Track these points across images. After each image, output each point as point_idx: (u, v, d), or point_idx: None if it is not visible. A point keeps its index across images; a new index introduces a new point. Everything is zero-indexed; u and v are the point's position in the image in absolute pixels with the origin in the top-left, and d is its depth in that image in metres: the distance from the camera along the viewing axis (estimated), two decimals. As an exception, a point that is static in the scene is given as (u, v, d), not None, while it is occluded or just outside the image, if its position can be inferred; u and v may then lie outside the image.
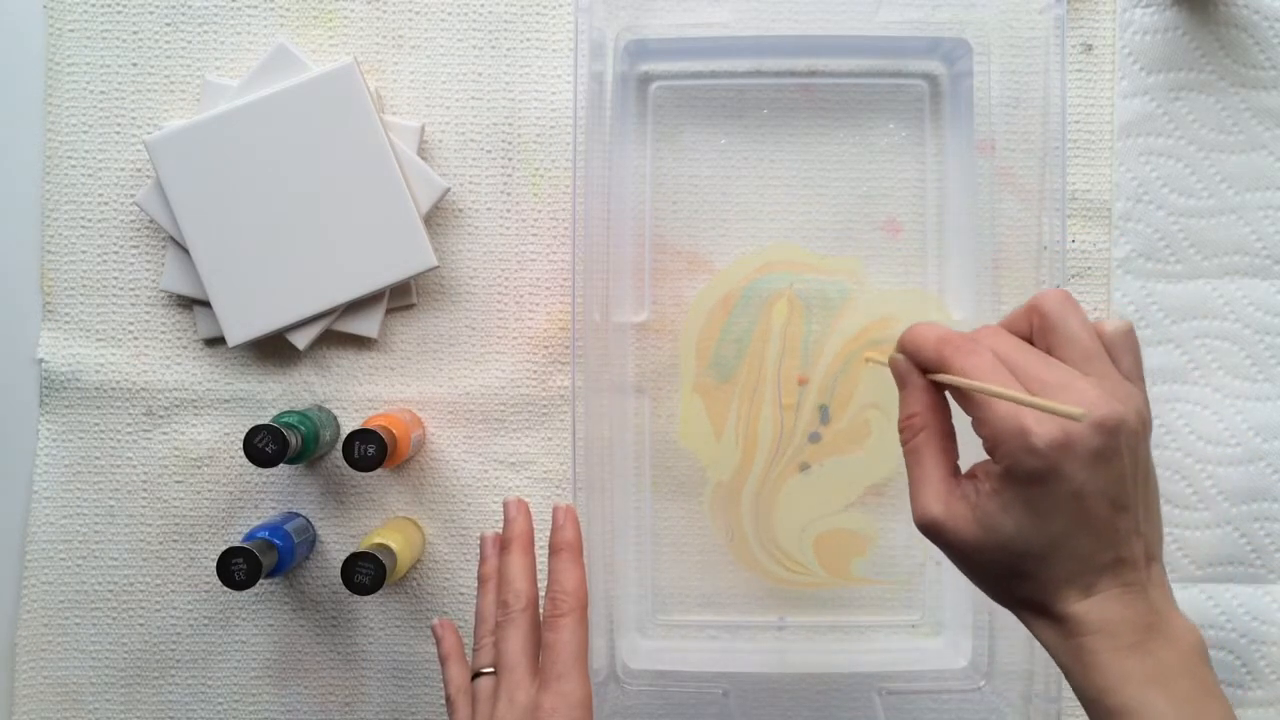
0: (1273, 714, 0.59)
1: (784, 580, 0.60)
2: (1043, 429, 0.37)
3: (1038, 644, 0.54)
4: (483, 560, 0.52)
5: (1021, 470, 0.38)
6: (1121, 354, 0.40)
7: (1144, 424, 0.39)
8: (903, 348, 0.44)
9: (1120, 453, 0.38)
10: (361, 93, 0.57)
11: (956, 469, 0.42)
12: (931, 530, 0.41)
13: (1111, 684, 0.38)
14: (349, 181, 0.57)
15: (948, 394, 0.43)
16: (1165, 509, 0.60)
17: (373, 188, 0.57)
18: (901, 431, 0.44)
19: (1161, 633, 0.39)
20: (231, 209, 0.57)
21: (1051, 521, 0.38)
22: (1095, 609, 0.39)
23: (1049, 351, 0.40)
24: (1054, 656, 0.40)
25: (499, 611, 0.49)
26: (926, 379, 0.43)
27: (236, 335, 0.58)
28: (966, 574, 0.42)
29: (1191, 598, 0.60)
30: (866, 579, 0.60)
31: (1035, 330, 0.41)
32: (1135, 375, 0.41)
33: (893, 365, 0.44)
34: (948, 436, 0.43)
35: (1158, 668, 0.38)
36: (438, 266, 0.58)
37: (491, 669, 0.48)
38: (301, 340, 0.59)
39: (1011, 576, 0.40)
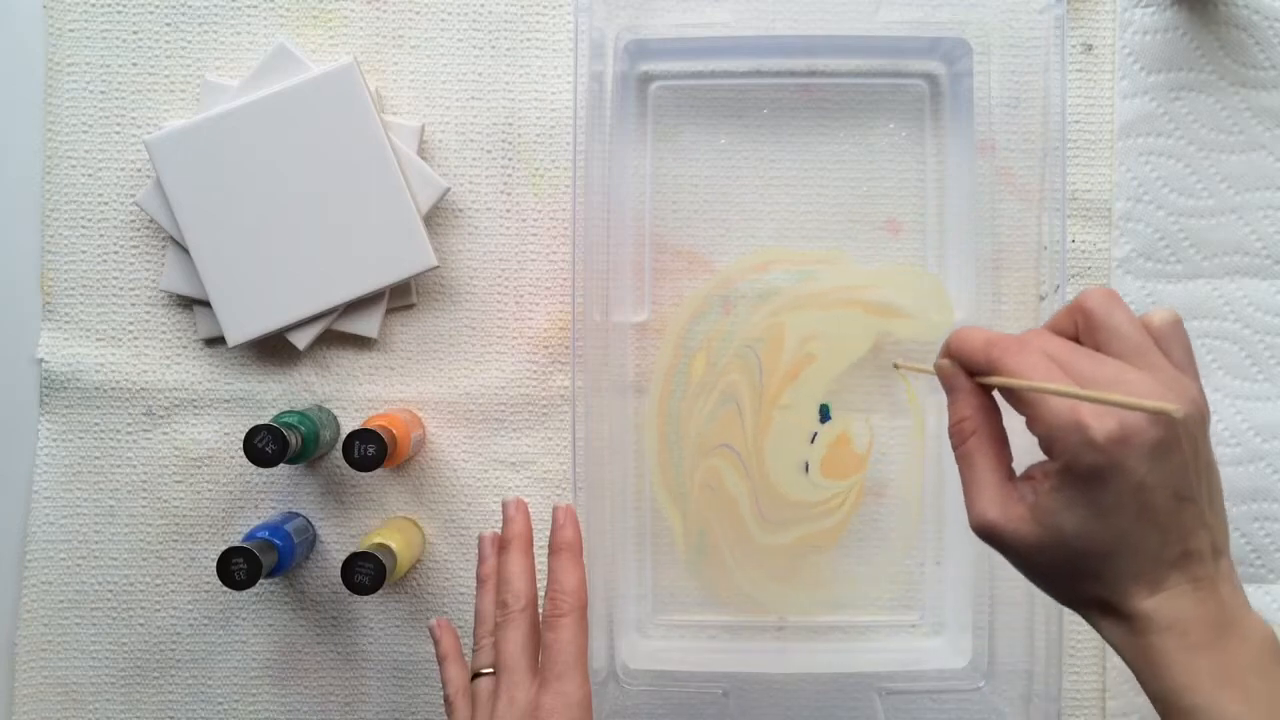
0: (1273, 714, 0.59)
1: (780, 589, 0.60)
2: (1100, 423, 0.36)
3: (1038, 644, 0.54)
4: (481, 560, 0.52)
5: (1081, 466, 0.37)
6: (1171, 345, 0.40)
7: (1201, 414, 0.38)
8: (950, 352, 0.43)
9: (1180, 444, 0.37)
10: (361, 93, 0.57)
11: (1011, 471, 0.41)
12: (990, 534, 0.40)
13: (1183, 684, 0.37)
14: (349, 181, 0.57)
15: (997, 395, 0.42)
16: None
17: (373, 188, 0.57)
18: (952, 436, 0.43)
19: (1233, 630, 0.38)
20: (231, 209, 0.57)
21: (1115, 517, 0.37)
22: (1164, 606, 0.38)
23: (1097, 349, 0.40)
24: (1123, 656, 0.39)
25: (498, 612, 0.49)
26: (974, 382, 0.42)
27: (236, 335, 0.58)
28: (1029, 576, 0.41)
29: (1191, 598, 0.60)
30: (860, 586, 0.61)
31: (1081, 329, 0.40)
32: (1187, 366, 0.40)
33: (940, 370, 0.43)
34: (1000, 439, 0.42)
35: (1230, 667, 0.37)
36: (438, 266, 0.58)
37: (491, 669, 0.48)
38: (301, 340, 0.59)
39: (1076, 576, 0.39)
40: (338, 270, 0.58)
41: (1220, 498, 0.40)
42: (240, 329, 0.58)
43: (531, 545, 0.51)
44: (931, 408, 0.61)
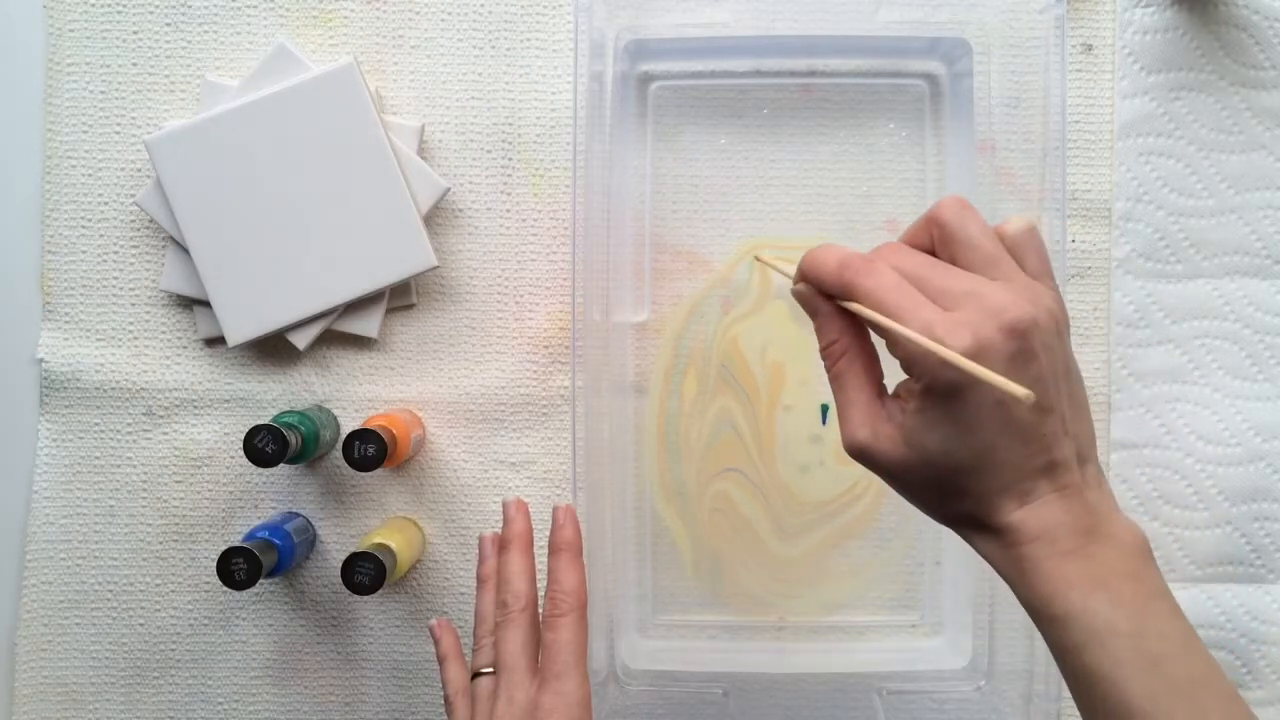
0: (1273, 714, 0.60)
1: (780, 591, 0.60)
2: (954, 340, 0.36)
3: (1038, 644, 0.54)
4: (482, 560, 0.52)
5: (939, 385, 0.37)
6: (1025, 254, 0.40)
7: (1057, 321, 0.38)
8: (804, 276, 0.42)
9: (1036, 354, 0.37)
10: (361, 93, 0.57)
11: (882, 390, 0.41)
12: (861, 454, 0.40)
13: (1053, 590, 0.37)
14: (349, 181, 0.57)
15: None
16: (1165, 509, 0.60)
17: (373, 188, 0.57)
18: (824, 359, 0.42)
19: (1102, 535, 0.38)
20: (231, 209, 0.57)
21: (976, 432, 0.37)
22: (1032, 516, 0.38)
23: (952, 261, 0.39)
24: (997, 570, 0.40)
25: (498, 612, 0.49)
26: (835, 304, 0.41)
27: (236, 335, 0.58)
28: (904, 495, 0.41)
29: (1191, 598, 0.60)
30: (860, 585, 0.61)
31: (936, 241, 0.40)
32: (1042, 273, 0.40)
33: (798, 296, 0.43)
34: (869, 358, 0.42)
35: (1099, 571, 0.37)
36: (438, 266, 0.58)
37: (490, 669, 0.48)
38: (301, 340, 0.59)
39: (945, 493, 0.39)
40: (338, 270, 0.58)
41: (1084, 404, 0.40)
42: (240, 329, 0.58)
43: (532, 545, 0.51)
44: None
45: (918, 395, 0.38)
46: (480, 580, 0.52)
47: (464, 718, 0.48)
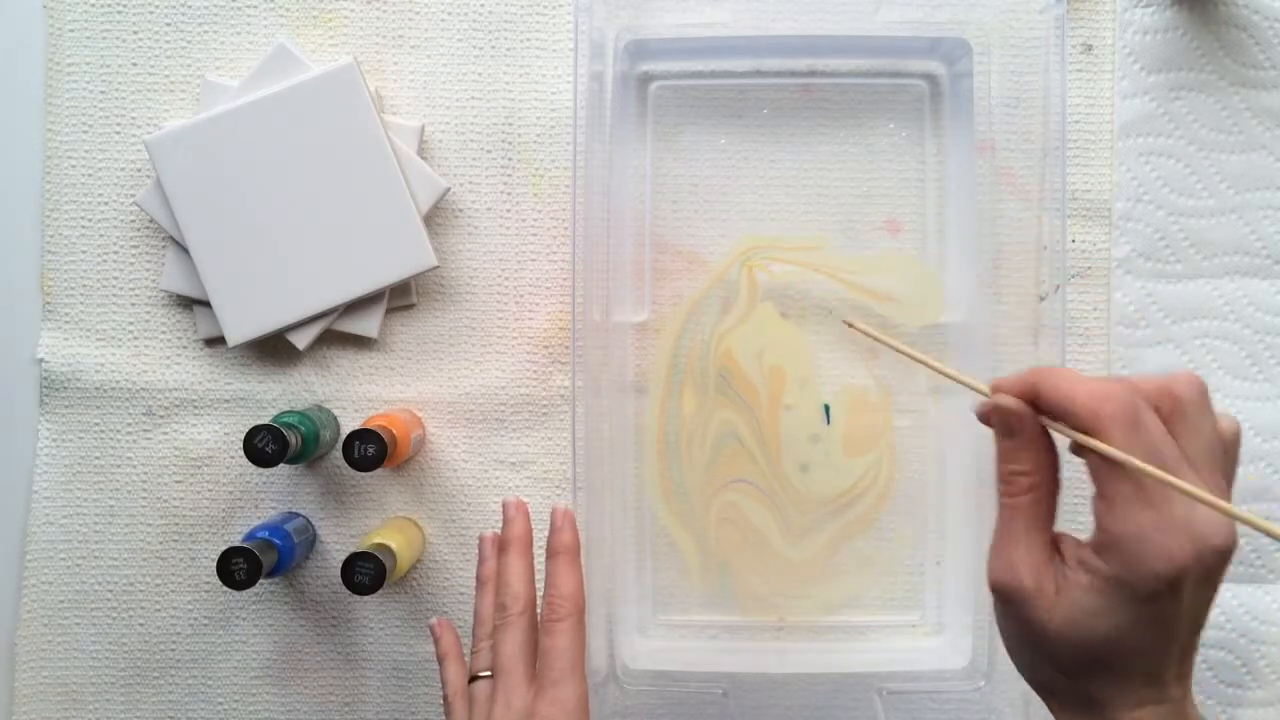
0: (1273, 714, 0.59)
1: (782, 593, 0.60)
2: (1180, 550, 0.35)
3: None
4: (481, 561, 0.52)
5: (1143, 587, 0.35)
6: (1232, 462, 0.38)
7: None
8: (1045, 398, 0.38)
9: (1219, 575, 0.36)
10: (362, 93, 0.57)
11: (1053, 535, 0.39)
12: (1011, 596, 0.38)
13: None
14: (349, 181, 0.57)
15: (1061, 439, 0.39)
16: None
17: (373, 188, 0.57)
18: (1005, 484, 0.39)
19: None
20: (231, 209, 0.57)
21: (1146, 634, 0.36)
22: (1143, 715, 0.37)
23: (1173, 438, 0.37)
24: None
25: (496, 614, 0.49)
26: (1040, 429, 0.39)
27: (236, 335, 0.58)
28: (1017, 649, 0.40)
29: (1191, 598, 0.60)
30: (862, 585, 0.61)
31: (1164, 414, 0.37)
32: (1230, 484, 0.38)
33: (1003, 411, 0.39)
34: (1054, 499, 0.39)
35: None
36: (438, 266, 0.58)
37: (489, 672, 0.48)
38: (301, 340, 0.59)
39: (1075, 674, 0.38)
40: (338, 270, 0.58)
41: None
42: (240, 329, 0.58)
43: (531, 547, 0.51)
44: (931, 406, 0.61)
45: (1103, 578, 0.36)
46: (480, 581, 0.52)
47: (462, 719, 0.48)
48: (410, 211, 0.58)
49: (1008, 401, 0.39)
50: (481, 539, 0.53)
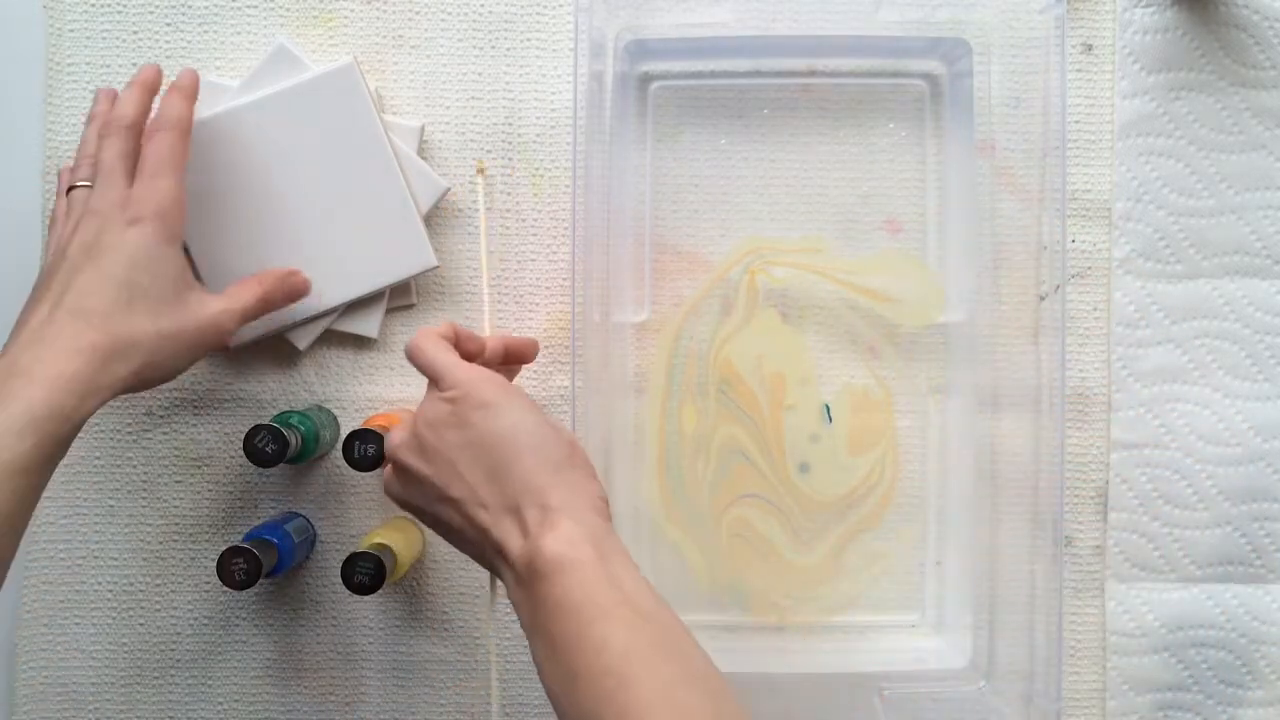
0: (1273, 714, 0.59)
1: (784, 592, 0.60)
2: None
3: (1038, 644, 0.55)
4: (95, 103, 0.53)
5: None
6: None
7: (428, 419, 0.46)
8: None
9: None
10: (361, 92, 0.57)
11: None
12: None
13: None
14: (349, 181, 0.57)
15: None
16: (1165, 509, 0.60)
17: (373, 187, 0.57)
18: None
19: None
20: (231, 209, 0.57)
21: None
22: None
23: None
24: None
25: (100, 129, 0.51)
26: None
27: (236, 336, 0.58)
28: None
29: (1192, 598, 0.60)
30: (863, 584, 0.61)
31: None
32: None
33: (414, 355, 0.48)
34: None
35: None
36: (438, 266, 0.58)
37: (89, 182, 0.50)
38: (302, 340, 0.59)
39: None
40: (338, 270, 0.58)
41: (502, 467, 0.44)
42: (240, 330, 0.58)
43: (157, 90, 0.53)
44: (932, 406, 0.61)
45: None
46: (90, 118, 0.53)
47: (61, 230, 0.50)
48: (411, 211, 0.58)
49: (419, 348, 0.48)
50: (98, 91, 0.54)
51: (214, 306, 0.51)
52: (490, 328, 0.53)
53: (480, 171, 0.57)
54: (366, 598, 0.60)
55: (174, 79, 0.53)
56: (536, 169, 0.60)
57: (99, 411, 0.60)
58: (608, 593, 0.40)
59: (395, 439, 0.46)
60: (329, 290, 0.58)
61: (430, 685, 0.61)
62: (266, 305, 0.54)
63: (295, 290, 0.56)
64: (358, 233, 0.58)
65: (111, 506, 0.60)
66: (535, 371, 0.60)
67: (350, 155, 0.57)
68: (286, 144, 0.57)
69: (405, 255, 0.58)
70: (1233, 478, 0.59)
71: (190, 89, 0.53)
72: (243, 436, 0.52)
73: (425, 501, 0.46)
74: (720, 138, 0.61)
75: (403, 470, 0.46)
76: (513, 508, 0.43)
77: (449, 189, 0.59)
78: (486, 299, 0.54)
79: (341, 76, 0.57)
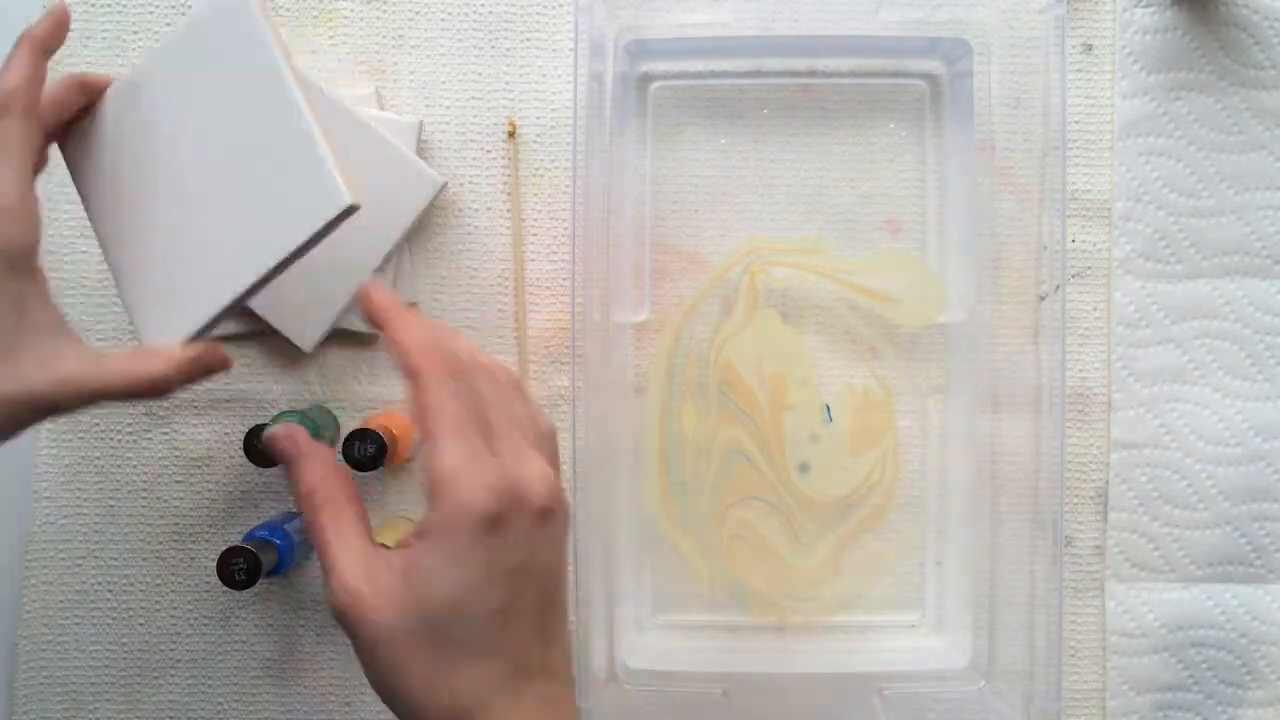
0: (1273, 714, 0.60)
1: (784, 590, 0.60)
2: (495, 480, 0.37)
3: (1038, 644, 0.55)
4: None
5: (467, 520, 0.36)
6: (554, 448, 0.42)
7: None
8: (386, 338, 0.40)
9: (551, 525, 0.38)
10: (254, 24, 0.46)
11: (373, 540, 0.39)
12: (358, 610, 0.36)
13: None
14: (251, 132, 0.46)
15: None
16: (1165, 509, 0.60)
17: (276, 134, 0.45)
18: (308, 505, 0.39)
19: None
20: (130, 193, 0.48)
21: (489, 591, 0.36)
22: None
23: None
24: None
25: None
26: (321, 448, 0.40)
27: (158, 334, 0.47)
28: (391, 674, 0.36)
29: (1192, 598, 0.60)
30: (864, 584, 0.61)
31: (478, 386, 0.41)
32: (556, 468, 0.40)
33: (279, 440, 0.40)
34: (360, 503, 0.39)
35: None
36: (356, 206, 0.45)
37: None
38: (307, 341, 0.59)
39: (439, 669, 0.36)
40: (251, 238, 0.46)
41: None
42: (161, 329, 0.47)
43: (49, 52, 0.43)
44: (932, 407, 0.61)
45: (434, 525, 0.36)
46: None
47: None
48: (313, 148, 0.45)
49: (277, 430, 0.41)
50: None
51: (68, 367, 0.39)
52: (522, 311, 0.50)
53: (511, 135, 0.52)
54: (366, 598, 0.59)
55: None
56: (536, 169, 0.61)
57: (99, 411, 0.60)
58: None
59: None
60: (243, 266, 0.46)
61: (430, 685, 0.61)
62: (166, 386, 0.43)
63: (210, 370, 0.46)
64: (263, 189, 0.46)
65: (111, 506, 0.60)
66: (535, 371, 0.60)
67: (249, 101, 0.46)
68: (181, 103, 0.47)
69: (312, 202, 0.44)
70: (1233, 478, 0.59)
71: (42, 40, 0.42)
72: (243, 436, 0.52)
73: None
74: (720, 138, 0.61)
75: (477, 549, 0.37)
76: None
77: (445, 183, 0.59)
78: (518, 278, 0.49)
79: (229, 10, 0.46)
